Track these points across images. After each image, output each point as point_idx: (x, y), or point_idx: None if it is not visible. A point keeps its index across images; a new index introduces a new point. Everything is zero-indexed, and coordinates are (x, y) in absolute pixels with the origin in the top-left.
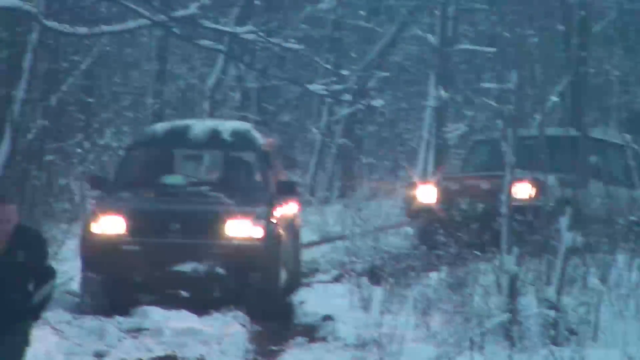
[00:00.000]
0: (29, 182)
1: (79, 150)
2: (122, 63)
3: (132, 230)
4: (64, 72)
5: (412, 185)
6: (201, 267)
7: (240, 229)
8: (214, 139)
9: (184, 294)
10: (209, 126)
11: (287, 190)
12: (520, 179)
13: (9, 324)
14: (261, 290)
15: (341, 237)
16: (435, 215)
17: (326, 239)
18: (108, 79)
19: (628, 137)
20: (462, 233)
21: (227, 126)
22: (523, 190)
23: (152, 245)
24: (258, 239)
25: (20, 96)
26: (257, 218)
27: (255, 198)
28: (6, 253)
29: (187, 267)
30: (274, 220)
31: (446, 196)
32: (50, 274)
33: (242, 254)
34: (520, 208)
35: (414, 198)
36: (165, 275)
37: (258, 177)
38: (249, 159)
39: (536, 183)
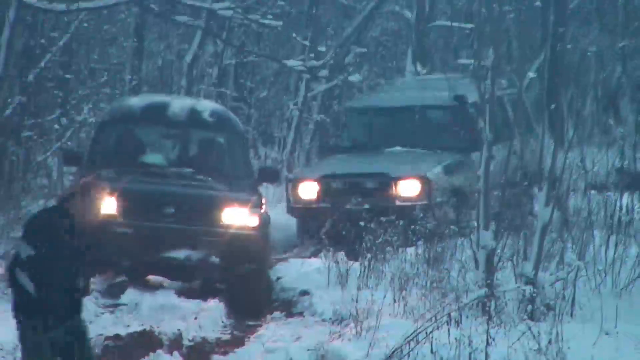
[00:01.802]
0: (7, 158)
1: (56, 126)
2: (100, 40)
3: (124, 212)
4: (42, 48)
5: (295, 181)
6: (195, 254)
7: (238, 217)
8: (194, 118)
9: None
10: (188, 104)
11: (270, 178)
12: (405, 177)
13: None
14: (253, 280)
15: None
16: (317, 213)
17: None
18: (86, 55)
19: (504, 83)
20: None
21: (206, 106)
22: (408, 188)
23: (145, 229)
24: (254, 228)
25: None
26: (253, 207)
27: (243, 184)
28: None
29: (180, 254)
30: (264, 208)
31: (329, 193)
32: None
33: (238, 243)
34: (408, 207)
35: (294, 195)
36: (155, 261)
37: (240, 161)
38: (230, 142)
39: (422, 180)
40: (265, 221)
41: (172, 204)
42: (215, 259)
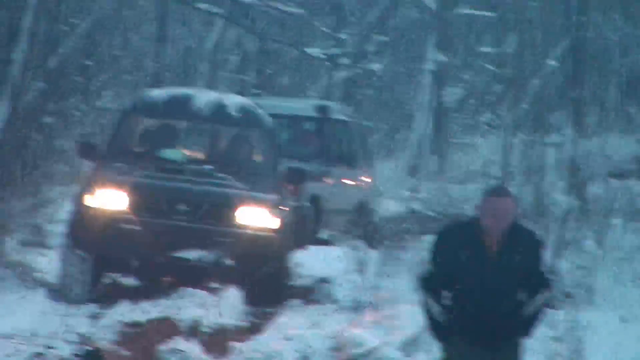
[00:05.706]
0: (28, 145)
1: (77, 112)
2: (122, 26)
3: (134, 207)
4: (63, 34)
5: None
6: (207, 256)
7: (256, 217)
8: (218, 113)
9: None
10: (213, 98)
11: (296, 179)
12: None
13: (501, 338)
14: (270, 282)
15: None
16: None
17: None
18: (107, 41)
19: (349, 109)
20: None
21: (232, 100)
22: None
23: (156, 227)
24: (274, 230)
25: (19, 59)
26: (273, 207)
27: (266, 184)
28: (500, 256)
29: (191, 254)
30: (287, 209)
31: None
32: (544, 283)
33: (255, 245)
34: None
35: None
36: (165, 261)
37: (265, 159)
38: (256, 139)
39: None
40: (287, 223)
41: (184, 201)
42: (229, 261)
